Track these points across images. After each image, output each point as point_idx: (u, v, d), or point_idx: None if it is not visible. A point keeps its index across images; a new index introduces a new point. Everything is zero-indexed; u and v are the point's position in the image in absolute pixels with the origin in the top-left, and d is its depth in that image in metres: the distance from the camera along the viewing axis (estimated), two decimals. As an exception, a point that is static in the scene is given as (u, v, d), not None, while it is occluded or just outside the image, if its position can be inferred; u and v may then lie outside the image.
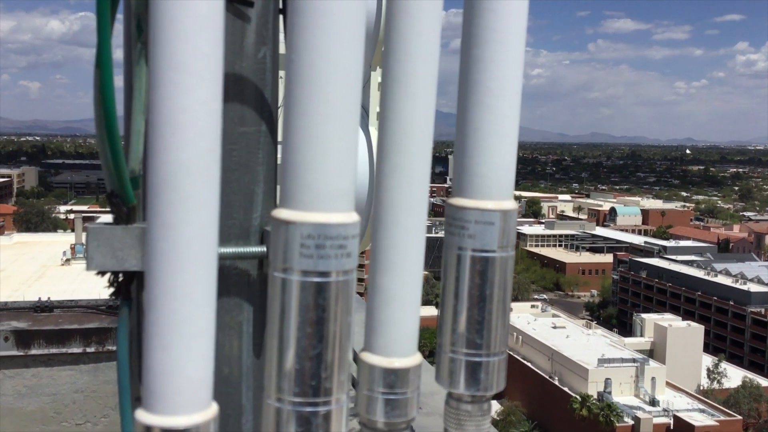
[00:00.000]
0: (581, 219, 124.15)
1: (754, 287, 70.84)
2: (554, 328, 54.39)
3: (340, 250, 0.64)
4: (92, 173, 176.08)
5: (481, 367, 0.79)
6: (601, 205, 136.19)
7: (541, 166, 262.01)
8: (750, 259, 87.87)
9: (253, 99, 1.02)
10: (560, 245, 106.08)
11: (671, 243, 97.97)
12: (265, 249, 1.00)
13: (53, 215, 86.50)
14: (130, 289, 0.97)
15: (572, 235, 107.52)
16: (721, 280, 73.93)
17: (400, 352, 0.75)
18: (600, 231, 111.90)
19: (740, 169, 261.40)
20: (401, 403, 0.76)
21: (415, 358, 0.76)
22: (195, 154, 0.57)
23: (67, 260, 15.21)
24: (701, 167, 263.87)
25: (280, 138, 0.81)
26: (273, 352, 0.65)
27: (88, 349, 4.52)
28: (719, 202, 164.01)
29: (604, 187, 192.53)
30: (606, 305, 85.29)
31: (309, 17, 0.63)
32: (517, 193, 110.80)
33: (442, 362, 0.81)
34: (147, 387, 0.59)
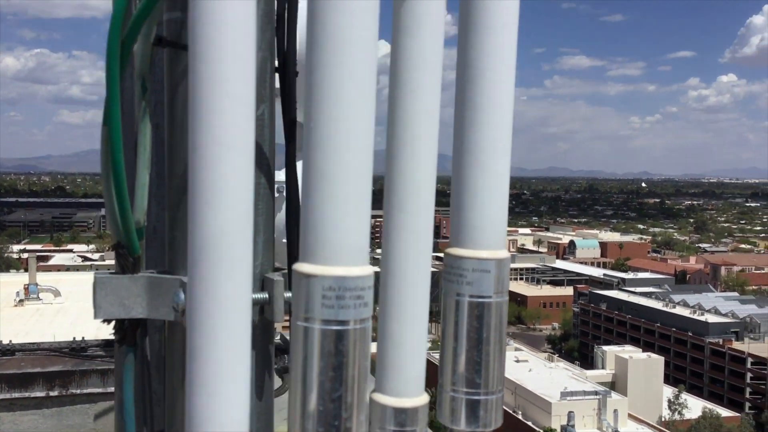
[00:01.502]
0: (541, 252, 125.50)
1: (711, 318, 72.07)
2: (517, 361, 54.51)
3: (358, 300, 0.71)
4: (46, 211, 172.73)
5: (480, 405, 0.86)
6: (560, 239, 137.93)
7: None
8: (707, 290, 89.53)
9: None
10: (521, 278, 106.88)
11: (630, 275, 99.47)
12: (267, 295, 1.05)
13: (6, 255, 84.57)
14: (136, 335, 1.01)
15: (533, 269, 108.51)
16: (680, 311, 75.09)
17: (409, 393, 0.82)
18: (560, 264, 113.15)
19: (695, 202, 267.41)
20: (411, 440, 0.82)
21: (423, 398, 0.83)
22: (234, 218, 0.63)
23: (21, 301, 14.84)
24: (657, 200, 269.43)
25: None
26: (297, 395, 0.70)
27: (52, 393, 4.45)
28: (675, 234, 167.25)
29: (563, 221, 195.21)
30: (567, 338, 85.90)
31: (327, 90, 0.69)
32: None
33: (444, 401, 0.87)
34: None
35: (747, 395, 66.11)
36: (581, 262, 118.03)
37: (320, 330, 0.70)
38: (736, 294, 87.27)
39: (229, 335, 0.63)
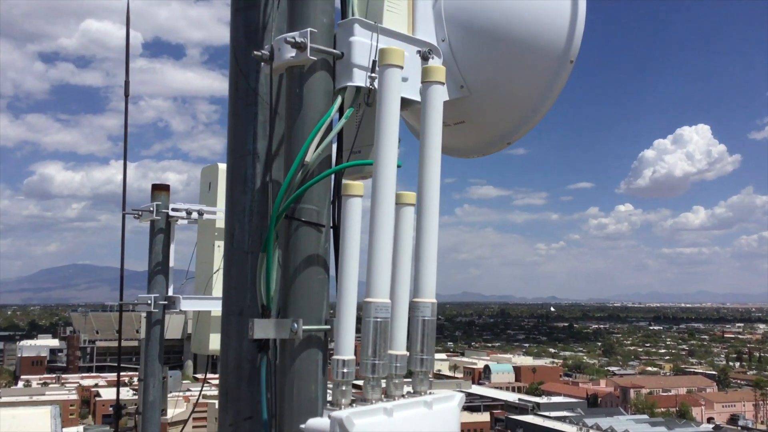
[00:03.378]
0: (458, 378, 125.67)
1: (624, 442, 73.17)
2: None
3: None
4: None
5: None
6: (475, 363, 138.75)
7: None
8: (618, 413, 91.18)
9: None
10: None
11: (544, 399, 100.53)
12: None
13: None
14: (268, 345, 1.87)
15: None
16: (594, 436, 75.99)
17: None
18: (476, 389, 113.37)
19: (601, 326, 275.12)
20: None
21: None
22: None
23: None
24: (566, 324, 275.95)
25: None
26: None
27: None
28: (585, 357, 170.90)
29: (477, 345, 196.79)
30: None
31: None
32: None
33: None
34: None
35: None
36: (497, 387, 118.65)
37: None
38: (646, 417, 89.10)
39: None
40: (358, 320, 1.69)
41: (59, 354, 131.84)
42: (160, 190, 5.18)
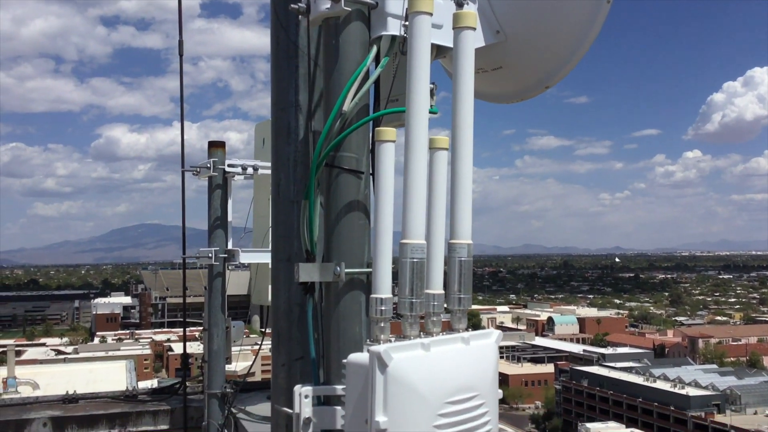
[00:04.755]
0: (521, 330, 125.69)
1: (692, 391, 72.31)
2: (502, 440, 54.32)
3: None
4: (19, 305, 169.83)
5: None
6: (538, 315, 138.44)
7: (478, 279, 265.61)
8: (686, 363, 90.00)
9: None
10: (502, 357, 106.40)
11: (609, 350, 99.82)
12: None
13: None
14: (314, 287, 1.97)
15: (513, 346, 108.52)
16: (660, 385, 75.29)
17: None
18: (540, 341, 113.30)
19: (668, 275, 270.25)
20: None
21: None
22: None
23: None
24: (631, 274, 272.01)
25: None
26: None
27: (113, 431, 5.25)
28: (651, 308, 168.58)
29: (540, 297, 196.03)
30: (551, 416, 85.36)
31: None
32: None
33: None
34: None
35: (732, 468, 65.83)
36: (560, 339, 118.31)
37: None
38: (715, 366, 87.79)
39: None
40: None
41: (132, 311, 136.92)
42: (216, 146, 5.31)
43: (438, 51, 2.09)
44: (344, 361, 1.66)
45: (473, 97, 1.82)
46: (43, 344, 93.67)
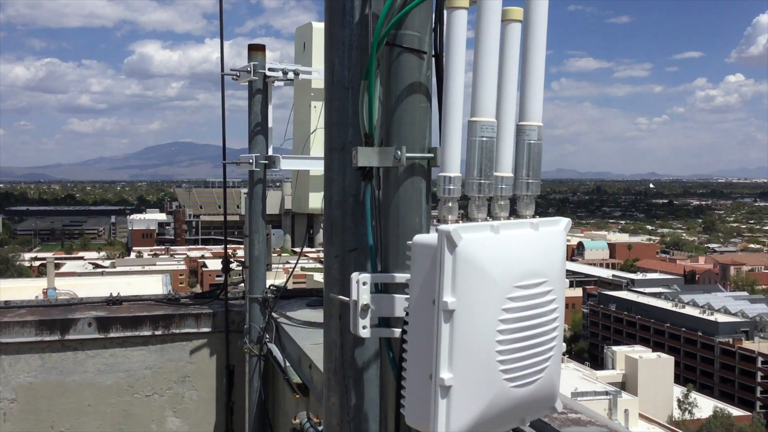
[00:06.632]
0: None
1: (721, 318, 72.41)
2: (528, 361, 54.99)
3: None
4: (57, 219, 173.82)
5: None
6: (569, 240, 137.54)
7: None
8: (716, 290, 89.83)
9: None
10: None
11: (639, 276, 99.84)
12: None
13: (18, 263, 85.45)
14: (372, 174, 1.88)
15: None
16: (689, 311, 75.44)
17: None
18: (569, 265, 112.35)
19: (703, 202, 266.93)
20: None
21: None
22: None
23: (40, 305, 15.54)
24: (665, 200, 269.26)
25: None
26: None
27: (156, 332, 5.38)
28: (684, 234, 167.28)
29: (571, 222, 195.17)
30: (577, 339, 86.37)
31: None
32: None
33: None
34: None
35: (758, 394, 66.37)
36: (590, 264, 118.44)
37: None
38: (745, 293, 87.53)
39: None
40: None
41: (167, 227, 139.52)
42: (256, 50, 5.18)
43: None
44: (409, 242, 1.59)
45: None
46: (81, 258, 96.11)
